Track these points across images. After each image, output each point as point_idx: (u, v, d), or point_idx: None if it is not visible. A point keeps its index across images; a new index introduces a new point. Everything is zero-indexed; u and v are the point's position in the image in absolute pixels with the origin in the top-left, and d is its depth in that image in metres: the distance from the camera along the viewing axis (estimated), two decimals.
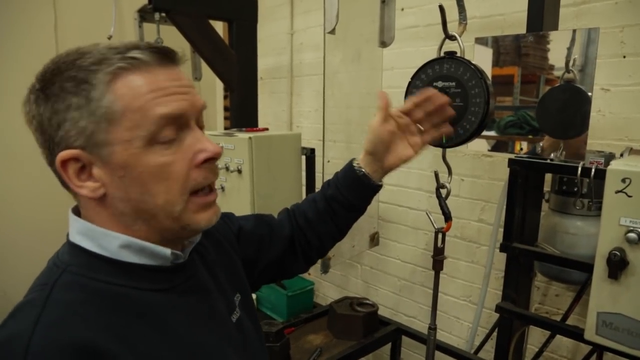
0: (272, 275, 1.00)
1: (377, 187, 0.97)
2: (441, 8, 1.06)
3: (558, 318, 1.65)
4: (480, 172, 1.97)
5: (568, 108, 1.33)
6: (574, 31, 1.29)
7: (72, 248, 0.66)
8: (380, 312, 1.91)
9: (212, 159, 0.66)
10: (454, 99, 1.07)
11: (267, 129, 1.96)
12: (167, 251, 0.68)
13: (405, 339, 1.93)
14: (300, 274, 1.12)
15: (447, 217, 1.14)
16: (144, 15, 2.33)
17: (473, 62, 1.03)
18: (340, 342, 1.77)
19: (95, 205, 0.65)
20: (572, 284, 1.60)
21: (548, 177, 1.55)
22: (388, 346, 1.93)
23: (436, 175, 1.16)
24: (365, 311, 1.82)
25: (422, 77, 1.12)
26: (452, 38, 1.09)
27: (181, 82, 0.66)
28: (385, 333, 1.84)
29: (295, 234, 0.99)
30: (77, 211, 0.69)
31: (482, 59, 1.44)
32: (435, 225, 1.18)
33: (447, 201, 1.15)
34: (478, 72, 1.02)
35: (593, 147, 1.57)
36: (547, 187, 1.56)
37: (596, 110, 1.62)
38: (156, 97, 0.62)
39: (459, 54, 1.05)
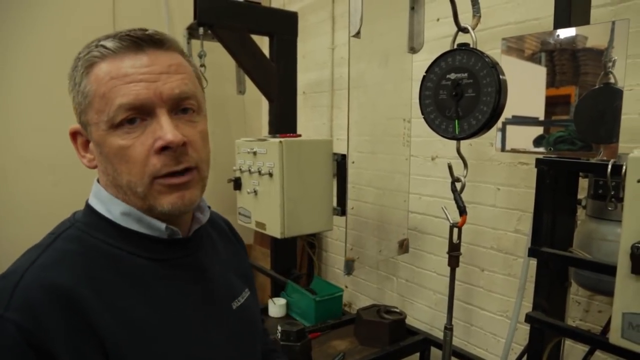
0: None
1: None
2: (452, 0, 1.07)
3: None
4: (516, 180, 1.90)
5: (599, 110, 1.27)
6: (613, 23, 1.24)
7: (87, 208, 0.74)
8: (416, 326, 1.86)
9: (168, 148, 0.66)
10: (466, 90, 1.07)
11: (300, 135, 2.01)
12: (162, 225, 0.72)
13: (435, 352, 1.86)
14: None
15: (462, 211, 1.12)
16: (192, 32, 2.48)
17: (486, 53, 1.03)
18: (365, 348, 1.74)
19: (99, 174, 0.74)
20: (610, 295, 1.48)
21: (584, 184, 1.48)
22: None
23: (450, 168, 1.14)
24: (391, 318, 1.79)
25: (435, 71, 1.13)
26: (464, 30, 1.09)
27: (151, 68, 0.66)
28: (412, 342, 1.79)
29: None
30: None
31: (535, 78, 1.41)
32: (450, 220, 1.15)
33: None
34: (490, 62, 1.02)
35: None
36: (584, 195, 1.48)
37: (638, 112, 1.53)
38: (117, 85, 0.65)
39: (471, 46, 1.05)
